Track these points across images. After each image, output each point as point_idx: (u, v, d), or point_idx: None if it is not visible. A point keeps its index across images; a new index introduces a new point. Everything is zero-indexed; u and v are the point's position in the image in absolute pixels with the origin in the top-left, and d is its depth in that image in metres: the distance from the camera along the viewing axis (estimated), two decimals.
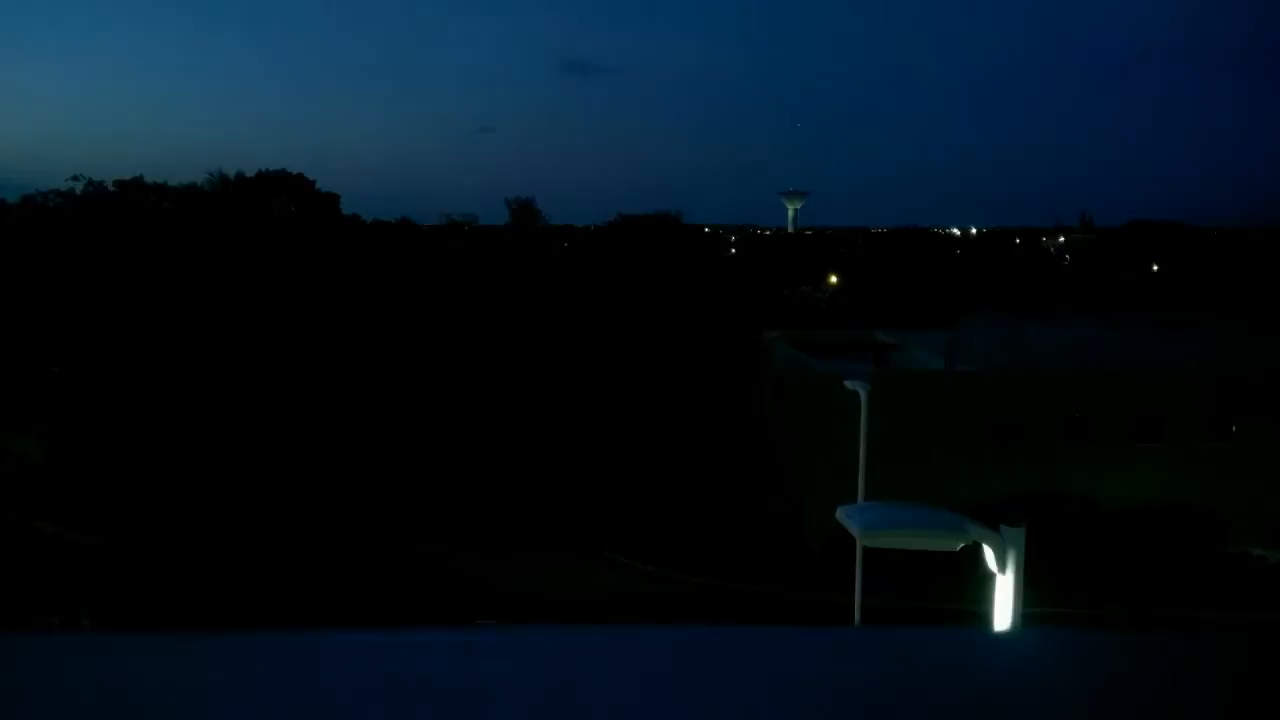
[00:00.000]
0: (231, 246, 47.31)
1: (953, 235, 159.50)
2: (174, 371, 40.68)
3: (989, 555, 23.07)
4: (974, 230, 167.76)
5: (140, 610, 27.65)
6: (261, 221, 51.31)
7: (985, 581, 23.41)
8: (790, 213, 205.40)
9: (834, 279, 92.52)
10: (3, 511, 33.61)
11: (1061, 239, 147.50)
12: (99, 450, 38.02)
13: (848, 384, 31.89)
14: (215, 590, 29.37)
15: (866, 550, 23.90)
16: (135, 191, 53.10)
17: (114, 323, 43.66)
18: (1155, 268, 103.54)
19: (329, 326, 47.00)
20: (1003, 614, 22.85)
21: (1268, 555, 31.18)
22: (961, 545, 23.46)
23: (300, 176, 58.70)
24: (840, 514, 22.58)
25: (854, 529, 22.38)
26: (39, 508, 34.74)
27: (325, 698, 1.42)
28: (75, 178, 53.53)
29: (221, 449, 37.85)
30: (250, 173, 57.15)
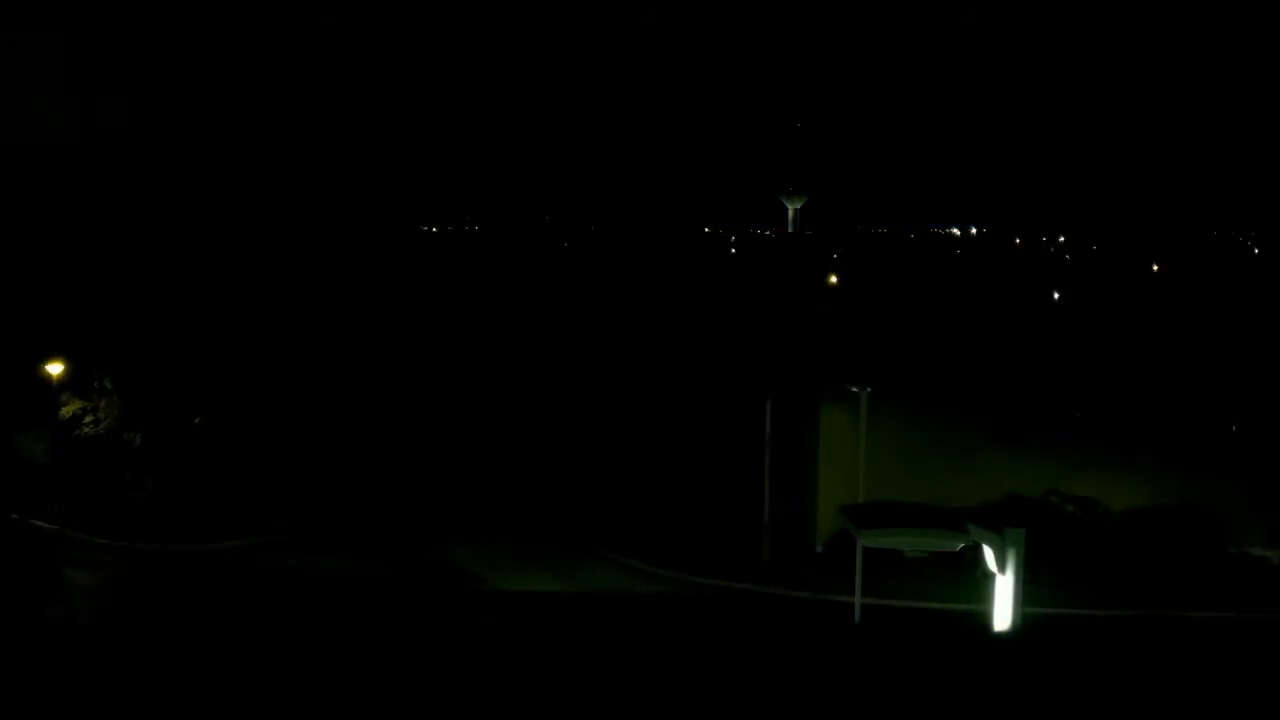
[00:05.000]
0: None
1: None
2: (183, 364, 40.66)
3: (989, 555, 23.26)
4: None
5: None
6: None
7: (985, 581, 23.61)
8: (790, 213, 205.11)
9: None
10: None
11: None
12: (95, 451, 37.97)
13: (851, 387, 31.99)
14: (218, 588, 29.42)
15: (866, 550, 23.98)
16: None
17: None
18: None
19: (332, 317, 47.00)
20: (1003, 614, 23.02)
21: (1268, 555, 31.15)
22: (961, 545, 23.67)
23: None
24: (841, 514, 22.85)
25: (854, 529, 22.61)
26: (41, 507, 34.73)
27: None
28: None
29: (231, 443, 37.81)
30: None
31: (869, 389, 31.58)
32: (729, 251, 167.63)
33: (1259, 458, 32.45)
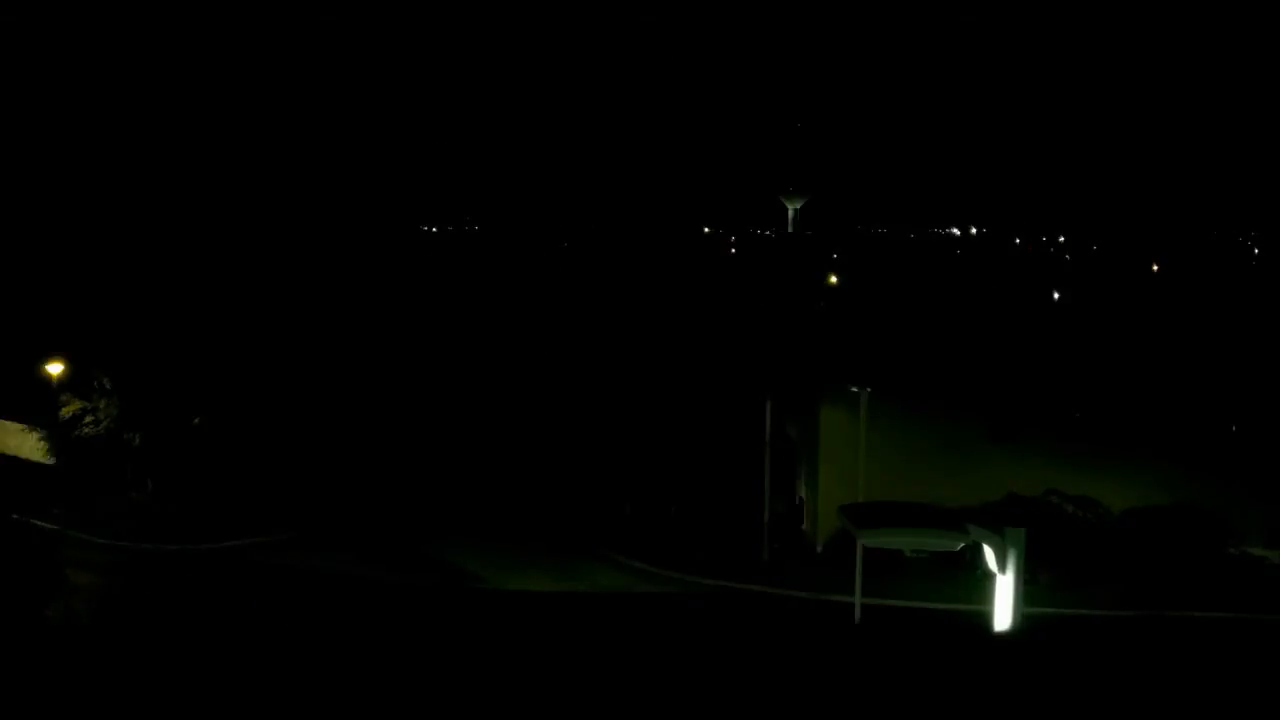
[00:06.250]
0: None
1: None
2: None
3: (989, 555, 23.30)
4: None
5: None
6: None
7: (985, 581, 23.65)
8: (790, 213, 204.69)
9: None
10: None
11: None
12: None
13: (851, 387, 31.99)
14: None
15: (866, 550, 23.99)
16: None
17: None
18: None
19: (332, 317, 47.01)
20: (1003, 614, 23.07)
21: (1268, 555, 31.15)
22: (961, 545, 23.73)
23: None
24: (841, 514, 22.94)
25: (854, 529, 22.68)
26: (41, 507, 34.76)
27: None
28: None
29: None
30: None
31: (869, 389, 31.57)
32: (729, 251, 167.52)
33: (1259, 458, 32.43)
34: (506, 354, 52.40)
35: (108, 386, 37.84)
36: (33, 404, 38.84)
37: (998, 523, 23.25)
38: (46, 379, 37.57)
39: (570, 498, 36.66)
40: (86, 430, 37.49)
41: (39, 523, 33.69)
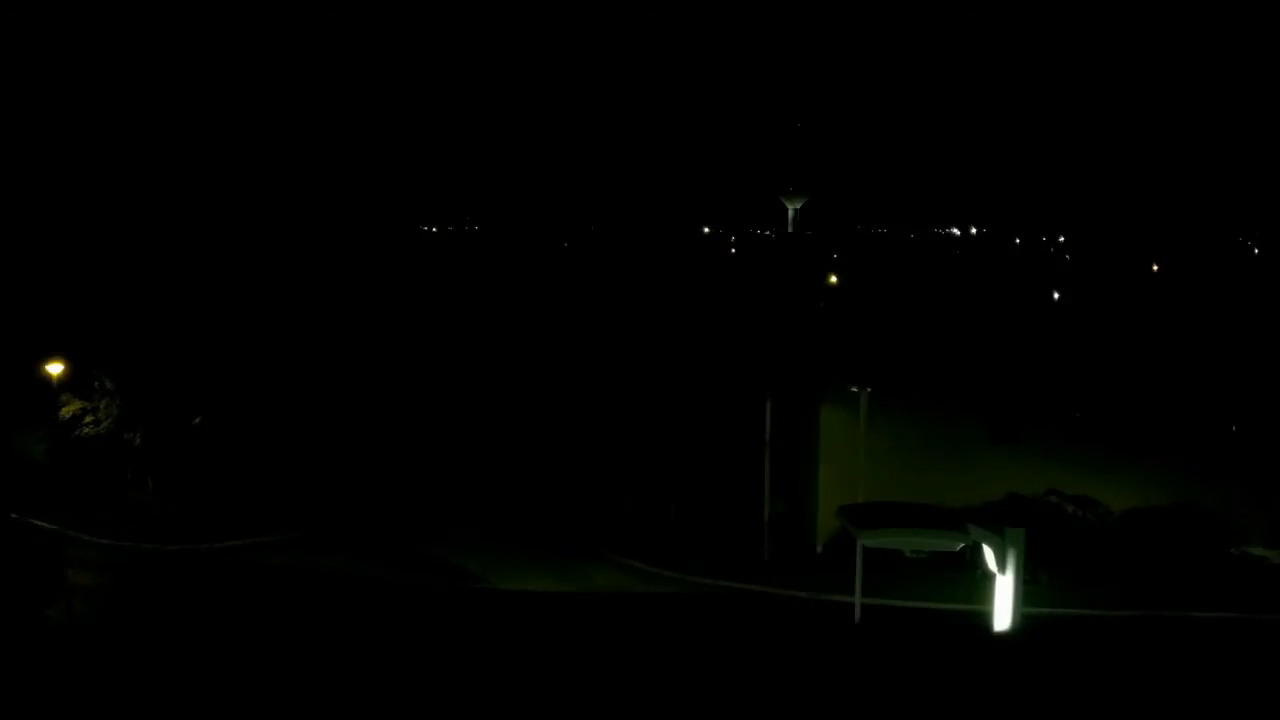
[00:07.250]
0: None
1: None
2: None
3: (989, 555, 23.38)
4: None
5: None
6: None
7: (985, 581, 23.75)
8: (790, 213, 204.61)
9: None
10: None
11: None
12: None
13: (850, 387, 32.03)
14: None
15: (866, 550, 24.00)
16: None
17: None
18: None
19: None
20: (1003, 614, 23.15)
21: (1268, 556, 31.17)
22: (961, 545, 23.82)
23: None
24: (841, 514, 23.03)
25: (854, 529, 22.76)
26: (41, 507, 34.78)
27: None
28: None
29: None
30: None
31: (869, 389, 31.59)
32: (729, 251, 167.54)
33: (1259, 458, 32.45)
34: (507, 354, 52.38)
35: (108, 386, 37.89)
36: (33, 404, 38.86)
37: (998, 523, 23.26)
38: (46, 379, 37.59)
39: (570, 497, 36.68)
40: (86, 430, 37.53)
41: (39, 523, 33.73)
